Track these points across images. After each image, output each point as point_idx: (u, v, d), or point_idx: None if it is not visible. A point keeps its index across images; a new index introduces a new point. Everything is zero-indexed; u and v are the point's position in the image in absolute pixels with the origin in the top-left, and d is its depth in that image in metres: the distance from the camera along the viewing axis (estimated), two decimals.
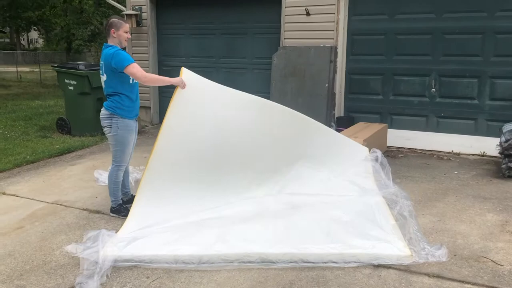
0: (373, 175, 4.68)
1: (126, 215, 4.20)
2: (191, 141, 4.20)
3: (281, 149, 4.60)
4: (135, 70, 4.08)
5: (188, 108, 4.18)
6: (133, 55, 9.46)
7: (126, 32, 4.26)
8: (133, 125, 4.36)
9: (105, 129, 4.34)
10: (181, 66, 4.49)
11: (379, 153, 4.97)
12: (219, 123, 4.28)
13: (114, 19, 4.24)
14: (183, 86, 4.16)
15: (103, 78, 4.25)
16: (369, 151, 5.28)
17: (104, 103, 4.34)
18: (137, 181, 5.27)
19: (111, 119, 4.25)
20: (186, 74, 4.23)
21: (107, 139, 4.44)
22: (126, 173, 4.67)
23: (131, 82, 4.27)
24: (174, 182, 4.16)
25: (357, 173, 4.74)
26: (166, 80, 4.23)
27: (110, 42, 4.23)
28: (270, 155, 4.53)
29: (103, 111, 4.32)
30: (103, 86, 4.30)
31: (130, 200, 4.62)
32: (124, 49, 4.27)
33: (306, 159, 4.68)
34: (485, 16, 6.59)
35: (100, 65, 4.26)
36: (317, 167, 4.68)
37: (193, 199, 4.14)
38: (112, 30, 4.19)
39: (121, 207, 4.42)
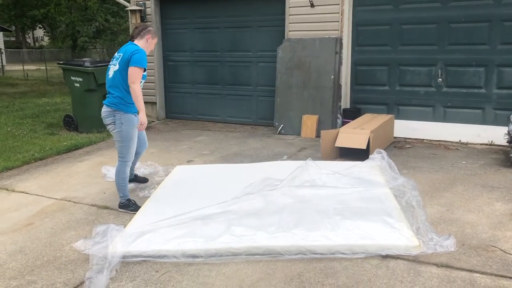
0: (380, 172, 4.66)
1: (134, 210, 4.30)
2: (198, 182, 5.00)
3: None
4: (136, 74, 4.15)
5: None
6: None
7: (154, 44, 4.54)
8: (136, 119, 4.36)
9: (109, 126, 4.39)
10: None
11: (384, 153, 4.95)
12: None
13: (152, 29, 4.52)
14: (141, 128, 4.37)
15: (114, 68, 4.26)
16: (372, 150, 5.32)
17: (105, 101, 4.37)
18: (144, 175, 5.31)
19: (114, 116, 4.31)
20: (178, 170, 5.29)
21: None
22: (135, 160, 4.91)
23: (141, 80, 4.31)
24: (183, 190, 4.68)
25: (362, 171, 4.73)
26: (141, 105, 4.24)
27: (137, 43, 4.35)
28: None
29: (105, 109, 4.35)
30: (110, 76, 4.31)
31: (132, 180, 4.97)
32: None
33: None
34: (491, 4, 6.52)
35: (116, 56, 4.31)
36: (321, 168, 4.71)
37: (201, 197, 4.32)
38: (149, 36, 4.42)
39: (129, 202, 4.46)
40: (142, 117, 4.28)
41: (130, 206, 4.40)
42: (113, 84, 4.30)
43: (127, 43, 4.42)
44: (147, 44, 4.41)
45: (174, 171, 5.37)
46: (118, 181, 4.46)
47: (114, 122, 4.32)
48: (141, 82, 4.31)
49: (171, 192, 4.68)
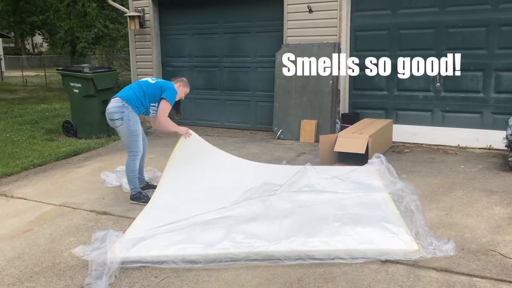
0: (379, 176, 4.66)
1: (145, 202, 4.47)
2: (197, 168, 4.97)
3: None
4: (165, 107, 4.65)
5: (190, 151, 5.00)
6: (137, 56, 9.52)
7: (185, 93, 5.01)
8: (138, 119, 4.67)
9: (115, 122, 4.54)
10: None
11: (383, 157, 4.95)
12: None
13: (186, 80, 5.04)
14: (189, 135, 4.87)
15: (151, 81, 4.75)
16: (371, 155, 5.32)
17: (118, 94, 4.62)
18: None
19: (122, 112, 4.49)
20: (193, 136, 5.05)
21: (113, 140, 4.64)
22: (142, 161, 4.98)
23: (154, 107, 4.77)
24: (181, 192, 4.60)
25: (361, 176, 4.73)
26: (174, 128, 4.80)
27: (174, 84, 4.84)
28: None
29: (115, 103, 4.53)
30: (143, 80, 4.79)
31: (145, 187, 5.02)
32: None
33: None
34: (488, 9, 6.56)
35: (155, 81, 4.81)
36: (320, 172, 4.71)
37: (199, 202, 4.30)
38: (180, 84, 4.87)
39: (140, 194, 4.64)
40: (182, 130, 4.88)
41: (141, 198, 4.59)
42: (140, 86, 4.66)
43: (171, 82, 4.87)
44: (178, 89, 4.83)
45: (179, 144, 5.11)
46: (129, 173, 4.66)
47: (122, 118, 4.49)
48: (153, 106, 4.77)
49: (171, 197, 4.63)
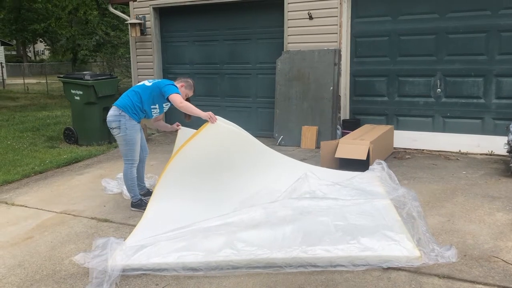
0: (380, 183, 4.64)
1: None
2: (202, 165, 4.55)
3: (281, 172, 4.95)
4: (176, 97, 4.42)
5: (207, 142, 4.57)
6: (138, 63, 9.55)
7: (186, 95, 4.79)
8: (139, 126, 4.65)
9: (113, 130, 4.57)
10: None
11: (384, 164, 4.94)
12: (229, 158, 4.73)
13: (191, 83, 4.87)
14: (214, 120, 4.47)
15: (147, 83, 4.63)
16: (372, 161, 5.31)
17: (116, 102, 4.60)
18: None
19: (119, 120, 4.50)
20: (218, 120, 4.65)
21: (114, 147, 4.64)
22: (142, 168, 4.96)
23: (156, 110, 4.66)
24: (182, 196, 4.41)
25: (362, 182, 4.72)
26: (196, 111, 4.45)
27: (176, 84, 4.67)
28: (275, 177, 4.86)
29: (112, 112, 4.54)
30: (139, 83, 4.67)
31: (146, 193, 4.97)
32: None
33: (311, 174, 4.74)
34: (488, 15, 6.57)
35: (152, 82, 4.65)
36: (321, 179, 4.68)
37: (201, 208, 4.25)
38: (182, 84, 4.73)
39: (141, 201, 4.63)
40: (204, 114, 4.47)
41: (142, 205, 4.55)
42: (137, 91, 4.58)
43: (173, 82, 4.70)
44: (180, 89, 4.67)
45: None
46: (127, 182, 4.67)
47: (119, 127, 4.51)
48: (162, 108, 4.69)
49: (172, 201, 4.48)
